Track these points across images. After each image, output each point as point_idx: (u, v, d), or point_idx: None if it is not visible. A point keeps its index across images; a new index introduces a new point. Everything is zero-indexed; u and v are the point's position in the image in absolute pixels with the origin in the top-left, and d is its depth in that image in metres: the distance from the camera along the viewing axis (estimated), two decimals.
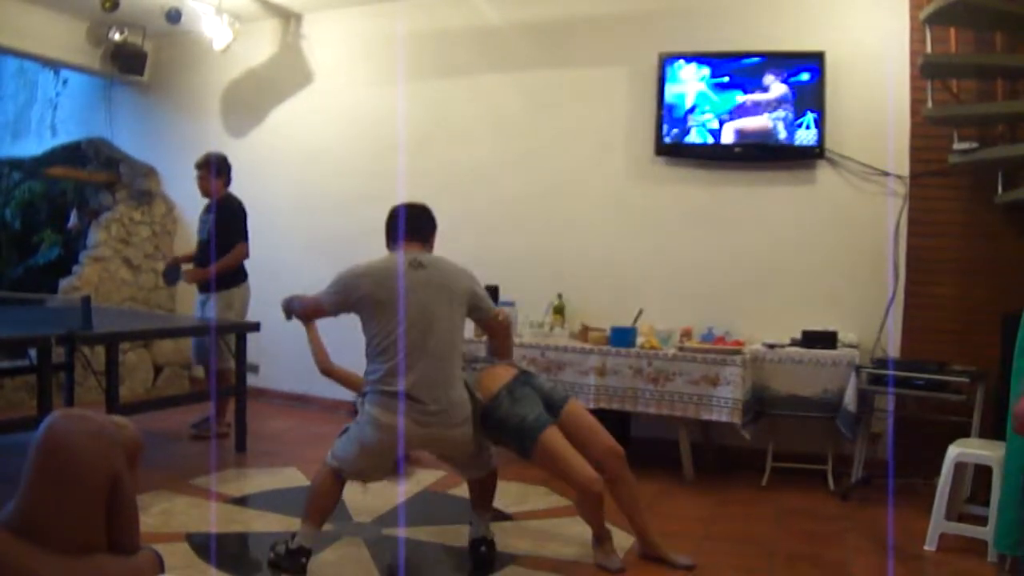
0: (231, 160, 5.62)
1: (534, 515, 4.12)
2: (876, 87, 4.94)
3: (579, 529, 3.90)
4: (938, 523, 3.74)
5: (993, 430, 4.05)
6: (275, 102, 6.93)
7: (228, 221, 5.42)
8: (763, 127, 5.17)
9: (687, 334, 5.11)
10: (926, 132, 4.79)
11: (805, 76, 5.06)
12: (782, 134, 5.13)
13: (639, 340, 4.99)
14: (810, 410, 4.74)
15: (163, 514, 3.90)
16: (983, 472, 3.83)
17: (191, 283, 5.66)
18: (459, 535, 3.66)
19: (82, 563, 2.00)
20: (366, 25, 6.51)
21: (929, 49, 4.62)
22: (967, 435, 4.13)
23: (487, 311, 3.50)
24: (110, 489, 2.05)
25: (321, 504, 3.28)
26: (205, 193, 5.56)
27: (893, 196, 4.95)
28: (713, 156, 5.35)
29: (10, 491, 2.03)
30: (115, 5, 6.12)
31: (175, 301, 7.40)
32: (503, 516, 4.01)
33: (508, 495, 4.24)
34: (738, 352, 4.70)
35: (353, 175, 6.48)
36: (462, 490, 3.90)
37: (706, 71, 5.29)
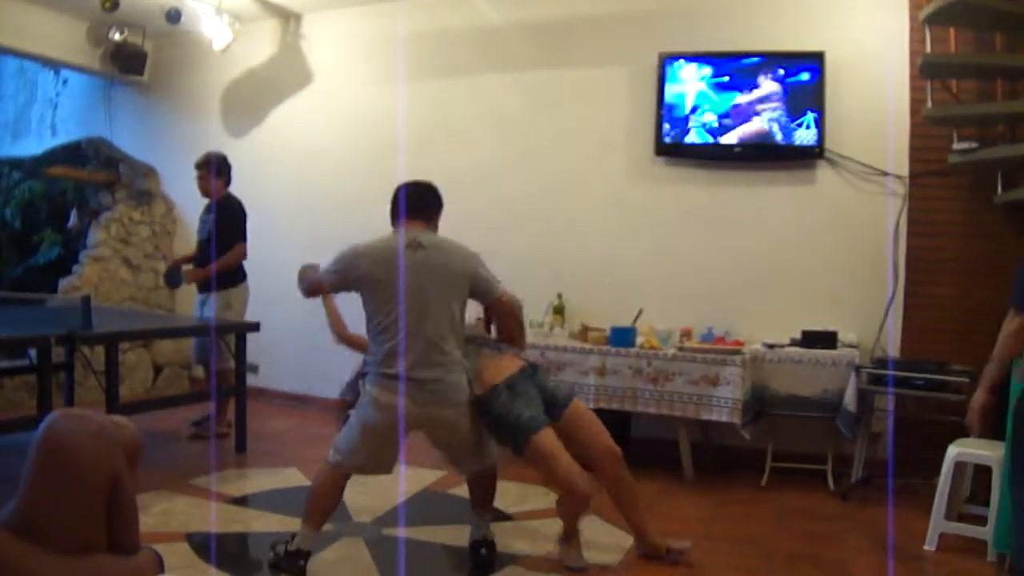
0: (231, 160, 5.62)
1: (534, 515, 4.12)
2: (876, 87, 4.94)
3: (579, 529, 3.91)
4: (938, 523, 3.74)
5: (993, 430, 4.04)
6: (275, 102, 6.93)
7: (228, 221, 5.42)
8: (763, 127, 5.17)
9: (687, 334, 5.11)
10: (926, 132, 4.80)
11: (805, 76, 5.06)
12: (781, 134, 5.13)
13: (639, 340, 4.99)
14: (810, 410, 4.74)
15: (163, 514, 3.90)
16: (983, 472, 3.83)
17: (191, 283, 5.66)
18: (459, 535, 3.66)
19: (82, 563, 2.00)
20: (366, 25, 6.51)
21: (929, 49, 4.62)
22: (967, 435, 4.12)
23: (489, 294, 3.34)
24: (110, 489, 2.05)
25: (321, 504, 3.27)
26: (205, 193, 5.56)
27: (893, 196, 4.95)
28: (713, 156, 5.35)
29: (10, 491, 2.03)
30: (115, 5, 6.12)
31: (175, 301, 7.40)
32: (503, 516, 4.01)
33: (508, 495, 4.24)
34: (738, 352, 4.70)
35: (353, 175, 6.48)
36: (462, 490, 3.90)
37: (706, 71, 5.29)
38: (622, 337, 4.95)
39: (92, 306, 4.40)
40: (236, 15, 6.51)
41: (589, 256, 5.68)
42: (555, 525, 3.95)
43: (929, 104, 4.69)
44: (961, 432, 4.12)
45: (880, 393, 4.56)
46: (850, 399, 4.52)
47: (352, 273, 3.30)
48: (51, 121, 8.24)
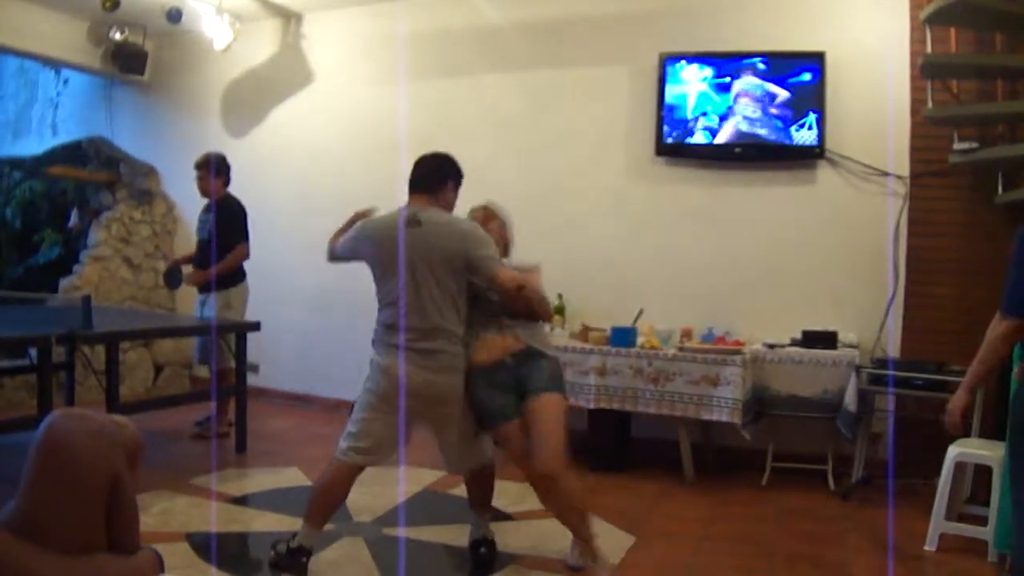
0: (231, 160, 5.63)
1: (534, 515, 4.11)
2: (876, 87, 4.94)
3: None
4: (938, 523, 3.74)
5: (993, 430, 4.05)
6: (275, 102, 6.93)
7: (228, 221, 5.42)
8: (763, 127, 5.17)
9: (687, 334, 5.11)
10: (926, 132, 4.80)
11: (806, 76, 5.06)
12: (782, 134, 5.12)
13: (639, 340, 4.99)
14: (810, 410, 4.74)
15: (163, 514, 3.90)
16: (983, 472, 3.83)
17: (194, 285, 5.66)
18: (460, 534, 3.66)
19: (82, 563, 2.00)
20: (366, 25, 6.51)
21: (929, 49, 4.62)
22: (967, 435, 4.12)
23: (485, 274, 3.21)
24: (110, 489, 2.05)
25: (325, 502, 3.28)
26: (204, 193, 5.57)
27: (893, 196, 4.95)
28: (713, 156, 5.35)
29: (10, 491, 2.03)
30: (116, 4, 6.12)
31: (175, 300, 7.41)
32: (503, 516, 4.01)
33: (508, 495, 4.25)
34: (738, 352, 4.70)
35: (353, 175, 6.48)
36: (462, 490, 3.90)
37: (706, 71, 5.29)
38: (622, 337, 4.95)
39: (92, 306, 4.40)
40: (237, 15, 6.51)
41: (590, 256, 5.68)
42: (555, 525, 3.95)
43: (930, 104, 4.68)
44: (961, 432, 4.13)
45: (880, 393, 4.56)
46: (850, 399, 4.52)
47: (359, 252, 3.44)
48: (52, 120, 8.24)
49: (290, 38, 6.86)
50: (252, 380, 5.67)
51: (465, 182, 3.51)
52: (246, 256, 5.52)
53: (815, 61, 5.03)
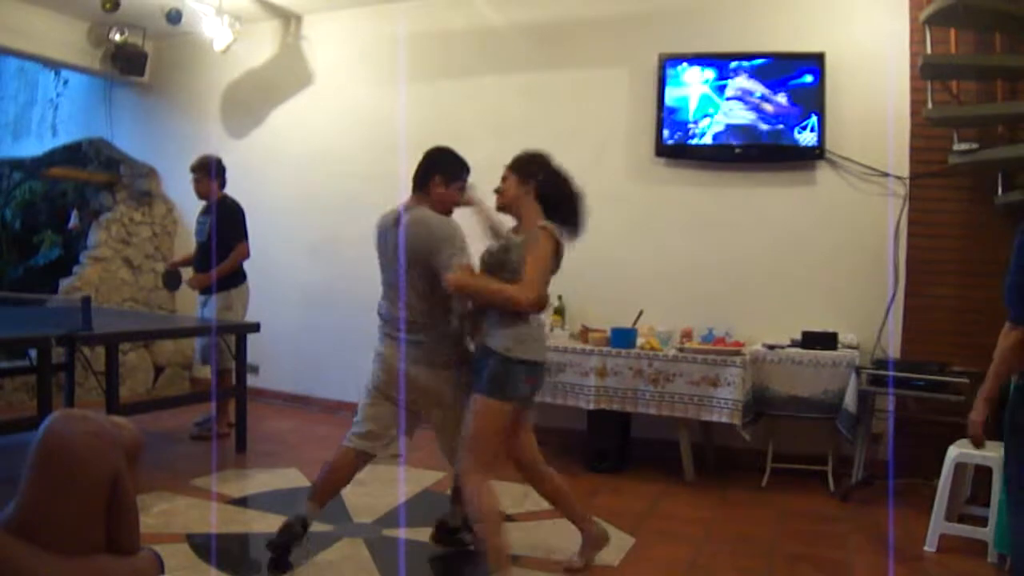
0: (232, 161, 5.65)
1: (534, 516, 4.12)
2: (876, 88, 4.94)
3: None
4: (938, 524, 3.74)
5: (993, 431, 4.04)
6: (275, 103, 6.94)
7: (227, 222, 5.43)
8: (763, 128, 5.17)
9: (687, 335, 5.11)
10: (926, 133, 4.80)
11: (806, 78, 5.06)
12: (782, 135, 5.13)
13: (639, 341, 4.99)
14: (810, 411, 4.74)
15: (163, 515, 3.90)
16: (983, 473, 3.83)
17: (195, 288, 5.66)
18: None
19: (82, 564, 2.00)
20: (366, 26, 6.51)
21: (929, 50, 4.62)
22: (967, 436, 4.12)
23: (440, 277, 3.16)
24: (110, 490, 2.05)
25: (328, 481, 3.39)
26: (200, 196, 5.59)
27: (893, 197, 4.95)
28: (713, 157, 5.35)
29: (10, 492, 2.03)
30: (115, 6, 6.12)
31: (175, 301, 7.41)
32: (504, 517, 4.00)
33: (508, 495, 4.24)
34: (738, 353, 4.70)
35: (353, 176, 6.48)
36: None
37: (706, 72, 5.29)
38: (623, 338, 4.95)
39: (92, 307, 4.40)
40: (236, 16, 6.51)
41: (589, 257, 5.62)
42: (555, 526, 3.96)
43: (929, 105, 4.69)
44: (961, 433, 4.12)
45: (880, 394, 4.56)
46: (850, 400, 4.52)
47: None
48: (52, 122, 8.24)
49: (290, 39, 6.86)
50: (251, 381, 5.66)
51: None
52: (246, 255, 5.53)
53: (815, 62, 5.03)
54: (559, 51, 5.85)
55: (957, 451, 3.78)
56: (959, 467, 3.81)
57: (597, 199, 5.60)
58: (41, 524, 1.97)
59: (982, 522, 3.72)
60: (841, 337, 4.85)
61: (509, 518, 4.03)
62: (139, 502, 2.24)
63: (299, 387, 6.81)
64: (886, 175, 4.96)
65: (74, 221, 7.36)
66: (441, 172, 3.40)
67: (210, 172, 5.52)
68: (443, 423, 3.40)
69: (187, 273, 5.76)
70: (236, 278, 5.54)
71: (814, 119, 5.04)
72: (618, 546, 3.70)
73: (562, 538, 3.78)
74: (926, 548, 3.73)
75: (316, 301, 6.68)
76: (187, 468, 4.75)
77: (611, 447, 5.05)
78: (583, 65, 5.78)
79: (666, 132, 5.38)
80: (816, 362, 4.73)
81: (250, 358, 5.35)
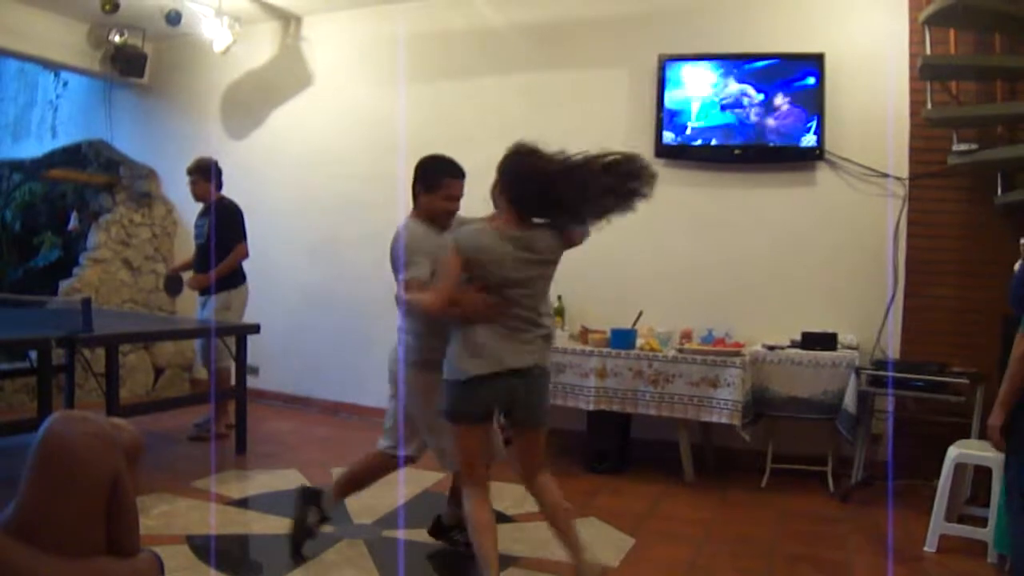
0: (232, 162, 5.66)
1: (534, 517, 4.10)
2: (876, 89, 4.94)
3: (579, 530, 3.91)
4: (938, 524, 3.74)
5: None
6: (275, 104, 6.94)
7: (226, 223, 5.44)
8: (762, 129, 5.17)
9: (687, 336, 5.11)
10: (925, 133, 4.80)
11: (806, 79, 5.06)
12: (781, 136, 5.13)
13: (639, 342, 4.99)
14: (810, 412, 4.74)
15: (163, 516, 3.90)
16: (983, 473, 3.83)
17: (195, 289, 5.67)
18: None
19: (82, 565, 2.00)
20: (366, 27, 6.51)
21: (928, 50, 4.62)
22: (967, 436, 4.13)
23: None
24: (110, 491, 2.05)
25: (359, 477, 3.57)
26: (197, 197, 5.61)
27: (893, 197, 4.95)
28: (712, 158, 5.35)
29: (10, 493, 2.03)
30: (115, 7, 6.13)
31: (175, 303, 7.40)
32: (503, 518, 4.01)
33: (508, 497, 4.25)
34: (738, 354, 4.70)
35: (353, 177, 6.48)
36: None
37: (706, 73, 5.29)
38: (622, 339, 4.95)
39: (92, 308, 4.40)
40: (236, 17, 6.51)
41: (589, 258, 5.62)
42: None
43: (929, 105, 4.69)
44: (961, 433, 4.13)
45: (880, 394, 4.56)
46: (850, 400, 4.52)
47: None
48: (51, 123, 8.25)
49: (289, 40, 6.86)
50: (251, 382, 5.66)
51: (465, 184, 3.48)
52: (245, 255, 5.53)
53: (814, 63, 5.03)
54: (559, 51, 5.85)
55: (957, 451, 3.78)
56: (959, 468, 3.81)
57: None
58: (41, 525, 1.97)
59: (982, 523, 3.72)
60: (841, 338, 4.85)
61: (509, 519, 4.03)
62: (139, 503, 2.24)
63: (299, 388, 6.81)
64: (886, 176, 4.96)
65: (74, 223, 7.36)
66: (421, 182, 3.40)
67: (205, 174, 5.53)
68: (433, 424, 3.40)
69: (188, 277, 5.76)
70: (235, 279, 5.55)
71: (814, 120, 5.04)
72: (618, 547, 3.70)
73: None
74: (926, 548, 3.73)
75: (316, 302, 6.68)
76: (187, 469, 4.75)
77: (611, 448, 5.05)
78: (583, 65, 5.78)
79: (666, 133, 5.38)
80: (816, 363, 4.73)
81: (250, 359, 5.35)
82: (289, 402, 6.82)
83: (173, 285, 5.85)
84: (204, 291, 5.57)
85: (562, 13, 5.84)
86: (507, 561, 3.49)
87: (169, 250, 7.50)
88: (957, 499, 3.93)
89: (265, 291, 6.25)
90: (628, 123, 5.60)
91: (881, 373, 4.44)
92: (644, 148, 5.44)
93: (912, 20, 4.80)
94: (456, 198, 3.41)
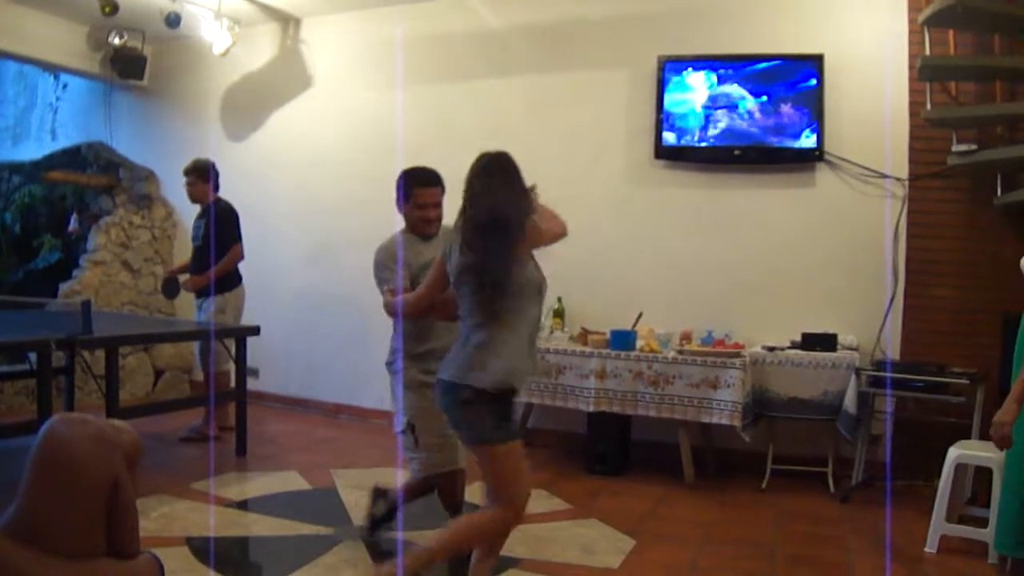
0: (231, 164, 5.66)
1: (534, 519, 4.10)
2: (875, 89, 4.94)
3: (579, 532, 3.92)
4: (938, 525, 3.74)
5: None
6: (274, 106, 6.94)
7: (224, 225, 5.44)
8: (761, 130, 5.17)
9: (687, 337, 5.11)
10: (925, 134, 4.80)
11: (805, 80, 5.06)
12: (780, 137, 5.13)
13: (639, 343, 4.99)
14: (810, 412, 4.74)
15: (163, 518, 3.89)
16: (983, 474, 3.83)
17: (192, 291, 5.67)
18: None
19: (82, 567, 2.00)
20: (365, 29, 6.51)
21: (928, 51, 4.62)
22: (967, 437, 4.13)
23: None
24: (110, 493, 2.05)
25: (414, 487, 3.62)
26: (194, 199, 5.61)
27: (892, 198, 4.95)
28: (712, 159, 5.35)
29: (10, 496, 2.03)
30: (115, 9, 6.12)
31: (175, 305, 7.40)
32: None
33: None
34: (738, 355, 4.70)
35: (353, 179, 6.48)
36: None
37: (704, 74, 5.29)
38: (622, 340, 4.95)
39: (92, 310, 4.40)
40: (235, 19, 6.51)
41: (589, 259, 5.67)
42: (555, 529, 3.96)
43: (928, 106, 4.69)
44: (962, 434, 4.13)
45: (880, 395, 4.56)
46: (850, 401, 4.52)
47: None
48: (51, 125, 8.25)
49: (289, 42, 6.86)
50: (252, 384, 5.66)
51: (439, 192, 3.55)
52: (240, 257, 5.53)
53: (814, 64, 5.03)
54: (558, 53, 5.85)
55: (957, 452, 3.78)
56: (959, 468, 3.81)
57: (596, 201, 5.70)
58: (41, 527, 1.97)
59: (982, 523, 3.72)
60: (841, 338, 4.85)
61: None
62: (139, 505, 2.23)
63: (299, 390, 6.81)
64: (885, 176, 4.96)
65: (73, 225, 7.35)
66: (399, 194, 3.53)
67: (202, 176, 5.53)
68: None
69: (184, 279, 5.76)
70: (231, 281, 5.55)
71: (813, 121, 5.04)
72: (618, 548, 3.70)
73: (562, 541, 3.78)
74: (927, 549, 3.73)
75: (316, 304, 6.67)
76: (187, 471, 4.75)
77: (611, 449, 5.04)
78: (582, 67, 5.77)
79: (665, 134, 5.38)
80: (816, 364, 4.73)
81: (250, 361, 5.35)
82: (289, 404, 6.82)
83: (170, 287, 5.85)
84: (200, 294, 5.57)
85: (562, 15, 5.84)
86: (509, 563, 3.49)
87: (169, 252, 7.50)
88: (957, 500, 3.93)
89: (265, 293, 6.25)
90: (628, 125, 5.60)
91: (881, 374, 4.44)
92: (644, 150, 5.50)
93: (911, 21, 4.80)
94: (427, 206, 3.48)
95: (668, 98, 5.37)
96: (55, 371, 4.49)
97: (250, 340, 5.26)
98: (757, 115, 5.18)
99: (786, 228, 5.22)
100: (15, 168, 8.09)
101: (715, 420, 4.66)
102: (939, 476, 3.80)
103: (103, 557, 2.07)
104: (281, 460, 5.14)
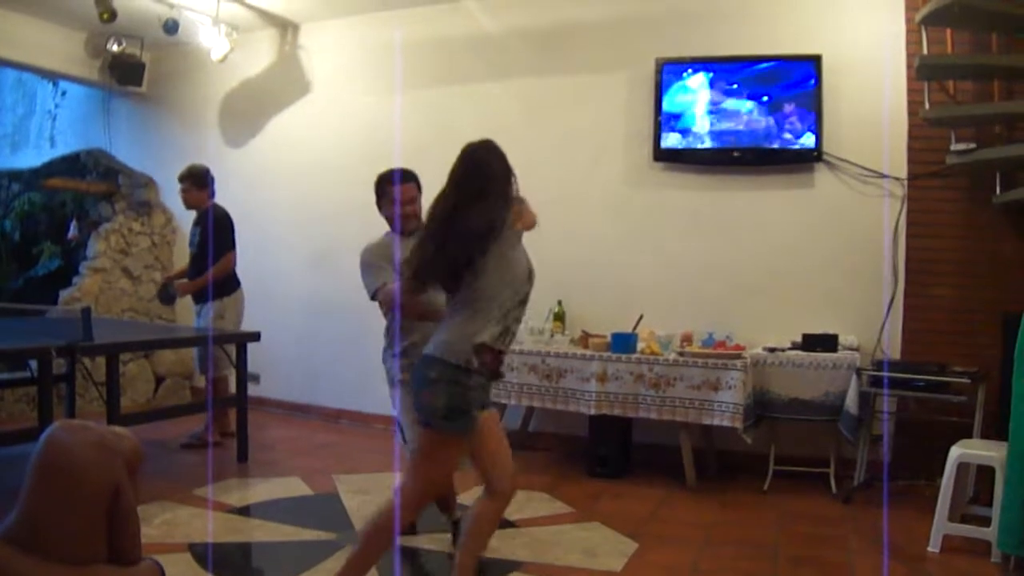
0: (230, 170, 5.66)
1: (536, 522, 4.11)
2: (873, 89, 4.94)
3: (581, 535, 3.91)
4: (941, 524, 3.73)
5: (995, 430, 4.04)
6: (273, 112, 6.94)
7: (219, 231, 5.43)
8: (760, 131, 5.17)
9: (688, 339, 5.11)
10: (923, 133, 4.80)
11: (803, 81, 5.06)
12: (779, 138, 5.13)
13: (640, 346, 4.99)
14: (811, 413, 4.73)
15: (165, 524, 3.89)
16: (985, 473, 3.83)
17: (183, 296, 5.67)
18: None
19: (83, 573, 2.00)
20: (364, 34, 6.51)
21: (925, 50, 4.63)
22: (969, 436, 4.12)
23: None
24: (111, 499, 2.05)
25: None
26: (189, 205, 5.61)
27: (891, 198, 4.95)
28: (711, 161, 5.35)
29: (11, 503, 2.03)
30: (113, 16, 6.13)
31: (175, 312, 7.41)
32: (505, 523, 4.00)
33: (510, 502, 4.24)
34: (739, 356, 4.70)
35: (352, 184, 6.43)
36: (461, 496, 3.91)
37: (703, 76, 5.29)
38: (623, 343, 4.95)
39: (92, 317, 4.40)
40: (234, 25, 6.52)
41: (589, 262, 5.68)
42: (558, 532, 3.95)
43: (927, 105, 4.69)
44: (963, 433, 4.13)
45: (882, 395, 4.55)
46: (852, 402, 4.51)
47: None
48: (50, 133, 8.26)
49: (287, 48, 6.87)
50: (253, 390, 5.66)
51: (413, 187, 3.65)
52: (233, 264, 5.52)
53: (812, 65, 5.04)
54: (557, 57, 5.86)
55: (959, 451, 3.77)
56: (961, 467, 3.80)
57: (596, 204, 5.71)
58: (42, 534, 1.97)
59: (985, 522, 3.71)
60: (842, 339, 4.85)
61: (511, 524, 4.02)
62: (141, 512, 2.24)
63: (300, 396, 6.80)
64: (884, 176, 4.96)
65: (73, 232, 7.36)
66: (376, 198, 3.79)
67: (197, 182, 5.53)
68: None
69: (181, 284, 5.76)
70: (228, 286, 5.53)
71: (812, 121, 5.05)
72: (621, 551, 3.70)
73: (564, 544, 3.78)
74: (929, 549, 3.72)
75: (316, 309, 6.67)
76: (189, 478, 4.74)
77: (612, 452, 5.04)
78: (581, 70, 5.78)
79: (664, 136, 5.39)
80: (817, 364, 4.73)
81: (251, 367, 5.34)
82: (290, 410, 6.82)
83: (166, 295, 5.85)
84: (199, 300, 5.56)
85: (560, 18, 5.85)
86: (510, 566, 3.49)
87: (168, 258, 7.51)
88: (960, 499, 3.92)
89: (265, 299, 6.25)
90: (626, 127, 5.60)
91: (882, 374, 4.43)
92: (643, 152, 5.50)
93: (909, 20, 4.81)
94: (402, 202, 3.63)
95: (667, 100, 5.37)
96: (56, 378, 4.49)
97: (251, 346, 5.26)
98: (756, 116, 5.18)
99: (786, 229, 5.22)
100: (14, 176, 8.10)
101: (716, 422, 4.65)
102: (941, 475, 3.79)
103: (104, 563, 2.06)
104: (282, 466, 5.13)
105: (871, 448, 4.68)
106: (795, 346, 4.90)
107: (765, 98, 5.15)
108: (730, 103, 5.23)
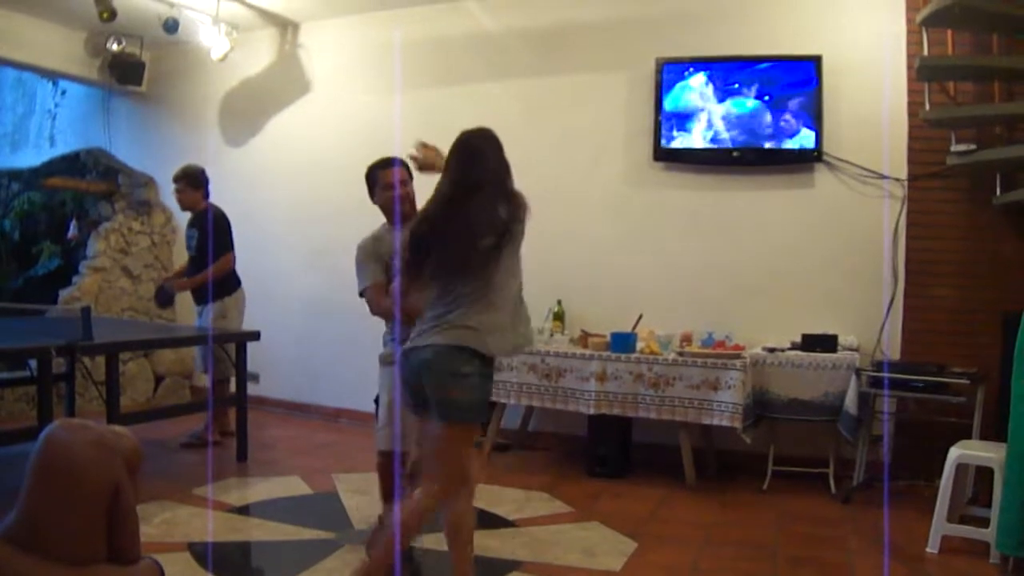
0: (230, 170, 5.64)
1: (535, 521, 4.11)
2: (873, 90, 4.94)
3: (581, 534, 3.91)
4: (940, 525, 3.73)
5: (994, 431, 4.04)
6: (273, 111, 6.94)
7: (217, 232, 5.42)
8: (760, 131, 5.17)
9: (687, 339, 5.11)
10: (924, 134, 4.80)
11: (804, 81, 5.06)
12: (779, 138, 5.13)
13: (639, 345, 4.99)
14: (811, 413, 4.73)
15: (165, 524, 3.89)
16: (985, 473, 3.83)
17: (181, 291, 5.67)
18: None
19: (83, 573, 2.00)
20: (364, 34, 6.51)
21: (926, 51, 4.63)
22: (968, 437, 4.12)
23: None
24: (111, 499, 2.05)
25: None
26: (184, 206, 5.60)
27: (891, 198, 4.95)
28: (711, 161, 5.35)
29: (11, 502, 2.03)
30: (112, 15, 6.13)
31: (175, 311, 7.40)
32: (505, 523, 4.01)
33: (510, 501, 4.24)
34: (738, 356, 4.70)
35: (351, 184, 6.39)
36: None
37: (703, 76, 5.29)
38: (622, 342, 4.95)
39: (92, 316, 4.40)
40: (234, 24, 6.52)
41: (588, 262, 5.68)
42: (557, 532, 3.96)
43: (927, 106, 4.69)
44: (963, 433, 4.13)
45: (881, 395, 4.55)
46: (851, 402, 4.52)
47: None
48: (50, 132, 8.25)
49: (287, 47, 6.87)
50: (253, 389, 5.66)
51: (401, 170, 3.71)
52: (231, 264, 5.51)
53: (812, 65, 5.04)
54: (557, 56, 5.86)
55: (958, 452, 3.77)
56: (960, 468, 3.80)
57: (596, 203, 5.71)
58: (42, 533, 1.97)
59: (984, 523, 3.71)
60: (841, 339, 4.85)
61: (510, 524, 4.03)
62: (141, 511, 2.23)
63: (300, 395, 6.80)
64: (884, 177, 4.96)
65: (73, 231, 7.36)
66: (368, 189, 3.92)
67: (192, 182, 5.52)
68: None
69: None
70: (229, 285, 5.52)
71: (812, 122, 5.05)
72: (620, 550, 3.70)
73: (563, 544, 3.78)
74: (928, 549, 3.72)
75: (316, 309, 6.67)
76: (188, 477, 4.74)
77: (612, 452, 5.04)
78: (581, 70, 5.78)
79: (664, 136, 5.39)
80: (816, 364, 4.73)
81: (251, 366, 5.35)
82: (290, 409, 6.82)
83: (163, 296, 5.84)
84: (200, 301, 5.56)
85: (560, 18, 5.85)
86: (509, 566, 3.49)
87: (168, 258, 7.50)
88: (959, 500, 3.92)
89: (265, 298, 6.25)
90: (627, 127, 5.60)
91: (881, 374, 4.44)
92: (643, 152, 5.50)
93: (909, 21, 4.81)
94: (393, 185, 3.76)
95: (667, 100, 5.37)
96: (55, 377, 4.49)
97: (250, 345, 5.26)
98: (756, 116, 5.18)
99: (785, 229, 5.22)
100: (14, 175, 8.10)
101: (716, 422, 4.65)
102: (940, 476, 3.79)
103: (104, 563, 2.06)
104: (282, 465, 5.14)
105: (870, 448, 4.69)
106: (795, 346, 4.90)
107: (766, 98, 5.15)
108: (730, 103, 5.24)
